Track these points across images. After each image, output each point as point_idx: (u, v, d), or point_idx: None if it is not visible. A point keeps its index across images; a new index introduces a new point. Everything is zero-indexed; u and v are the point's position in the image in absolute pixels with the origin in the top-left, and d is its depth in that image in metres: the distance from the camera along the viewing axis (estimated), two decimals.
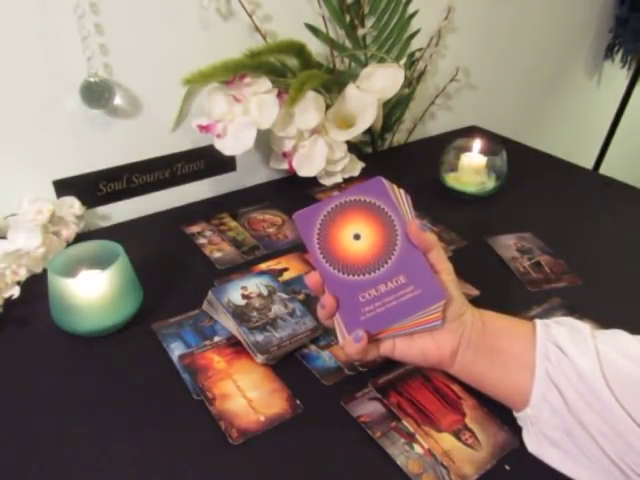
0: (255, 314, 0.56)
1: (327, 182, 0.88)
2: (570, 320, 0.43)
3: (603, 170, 1.59)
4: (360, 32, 0.89)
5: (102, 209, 0.78)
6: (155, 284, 0.62)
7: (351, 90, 0.84)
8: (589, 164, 1.59)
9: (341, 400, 0.49)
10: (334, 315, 0.43)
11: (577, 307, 0.60)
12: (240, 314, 0.55)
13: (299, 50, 0.80)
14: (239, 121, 0.74)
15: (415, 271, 0.43)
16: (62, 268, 0.55)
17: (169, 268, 0.68)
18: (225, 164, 0.86)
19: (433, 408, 0.48)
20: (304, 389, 0.50)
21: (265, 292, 0.59)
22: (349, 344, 0.42)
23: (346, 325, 0.43)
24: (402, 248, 0.43)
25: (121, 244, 0.57)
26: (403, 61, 0.92)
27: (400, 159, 1.01)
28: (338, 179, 0.88)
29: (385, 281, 0.43)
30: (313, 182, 0.87)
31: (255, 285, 0.60)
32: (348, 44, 0.90)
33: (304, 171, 0.83)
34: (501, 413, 0.46)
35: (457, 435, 0.46)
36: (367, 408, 0.48)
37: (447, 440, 0.45)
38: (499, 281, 0.66)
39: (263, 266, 0.67)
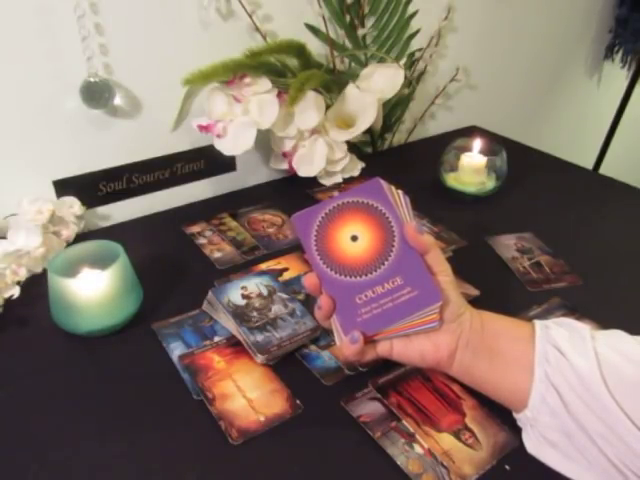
0: (255, 314, 0.56)
1: (327, 182, 0.88)
2: (569, 321, 0.43)
3: (603, 170, 1.59)
4: (360, 32, 0.89)
5: (102, 209, 0.78)
6: (155, 284, 0.62)
7: (351, 90, 0.84)
8: (589, 164, 1.59)
9: (341, 400, 0.49)
10: (331, 316, 0.43)
11: (577, 307, 0.60)
12: (240, 314, 0.55)
13: (299, 50, 0.80)
14: (239, 121, 0.74)
15: (412, 273, 0.43)
16: (62, 268, 0.55)
17: (169, 268, 0.68)
18: (225, 164, 0.86)
19: (433, 408, 0.48)
20: (304, 389, 0.50)
21: (265, 292, 0.59)
22: (346, 345, 0.43)
23: (343, 326, 0.43)
24: (399, 250, 0.43)
25: (121, 244, 0.57)
26: (403, 61, 0.92)
27: (400, 159, 1.01)
28: (338, 179, 0.88)
29: (382, 283, 0.43)
30: (313, 182, 0.87)
31: (255, 285, 0.60)
32: (348, 44, 0.90)
33: (304, 171, 0.83)
34: (501, 413, 0.46)
35: (457, 435, 0.46)
36: (367, 408, 0.48)
37: (447, 440, 0.45)
38: (499, 281, 0.66)
39: (263, 266, 0.67)
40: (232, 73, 0.73)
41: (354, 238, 0.44)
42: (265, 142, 0.85)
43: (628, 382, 0.37)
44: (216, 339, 0.55)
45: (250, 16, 0.76)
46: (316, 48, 0.86)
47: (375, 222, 0.44)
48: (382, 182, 0.44)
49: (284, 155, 0.84)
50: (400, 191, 0.44)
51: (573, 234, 0.76)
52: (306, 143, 0.82)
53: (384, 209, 0.44)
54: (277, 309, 0.57)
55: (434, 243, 0.43)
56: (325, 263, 0.43)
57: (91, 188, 0.75)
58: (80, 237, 0.71)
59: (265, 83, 0.75)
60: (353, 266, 0.43)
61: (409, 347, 0.44)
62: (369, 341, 0.43)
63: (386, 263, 0.43)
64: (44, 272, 0.62)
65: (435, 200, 0.83)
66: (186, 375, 0.51)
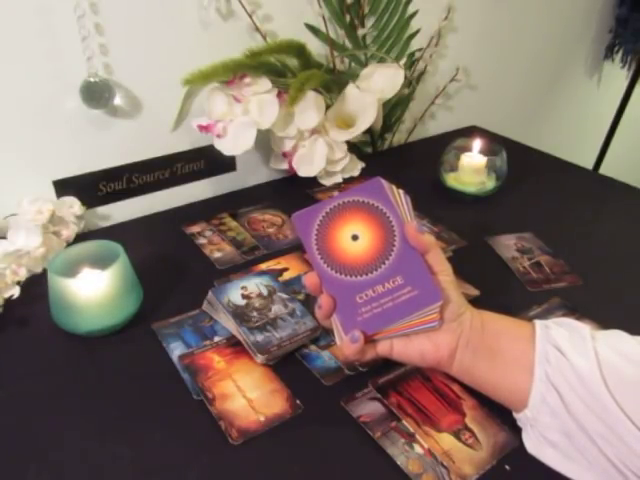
0: (255, 314, 0.56)
1: (327, 182, 0.88)
2: (570, 321, 0.43)
3: (603, 170, 1.59)
4: (360, 32, 0.89)
5: (102, 209, 0.78)
6: (155, 284, 0.62)
7: (351, 90, 0.84)
8: (589, 164, 1.59)
9: (341, 400, 0.49)
10: (331, 316, 0.43)
11: (577, 307, 0.60)
12: (240, 314, 0.55)
13: (299, 50, 0.80)
14: (239, 121, 0.74)
15: (412, 272, 0.43)
16: (62, 268, 0.55)
17: (169, 268, 0.68)
18: (225, 164, 0.86)
19: (433, 408, 0.48)
20: (304, 389, 0.50)
21: (265, 292, 0.59)
22: (346, 345, 0.43)
23: (343, 326, 0.43)
24: (400, 249, 0.43)
25: (121, 244, 0.57)
26: (403, 61, 0.91)
27: (400, 159, 1.01)
28: (338, 179, 0.88)
29: (382, 282, 0.43)
30: (313, 182, 0.87)
31: (255, 285, 0.60)
32: (348, 44, 0.90)
33: (304, 171, 0.83)
34: (501, 413, 0.46)
35: (457, 435, 0.46)
36: (367, 408, 0.48)
37: (447, 440, 0.45)
38: (499, 281, 0.66)
39: (263, 266, 0.67)
40: (232, 73, 0.73)
41: (355, 237, 0.44)
42: (265, 142, 0.85)
43: (628, 382, 0.37)
44: (216, 339, 0.55)
45: (250, 16, 0.76)
46: (316, 48, 0.86)
47: (376, 221, 0.44)
48: (383, 181, 0.44)
49: (284, 155, 0.84)
50: (401, 190, 0.44)
51: (573, 234, 0.76)
52: (306, 143, 0.82)
53: (385, 208, 0.44)
54: (277, 309, 0.57)
55: (434, 243, 0.43)
56: (326, 262, 0.43)
57: (91, 188, 0.75)
58: (80, 237, 0.71)
59: (265, 83, 0.75)
60: (354, 265, 0.43)
61: (409, 347, 0.44)
62: (369, 341, 0.43)
63: (387, 262, 0.43)
64: (44, 272, 0.62)
65: (435, 200, 0.83)
66: (186, 375, 0.51)
